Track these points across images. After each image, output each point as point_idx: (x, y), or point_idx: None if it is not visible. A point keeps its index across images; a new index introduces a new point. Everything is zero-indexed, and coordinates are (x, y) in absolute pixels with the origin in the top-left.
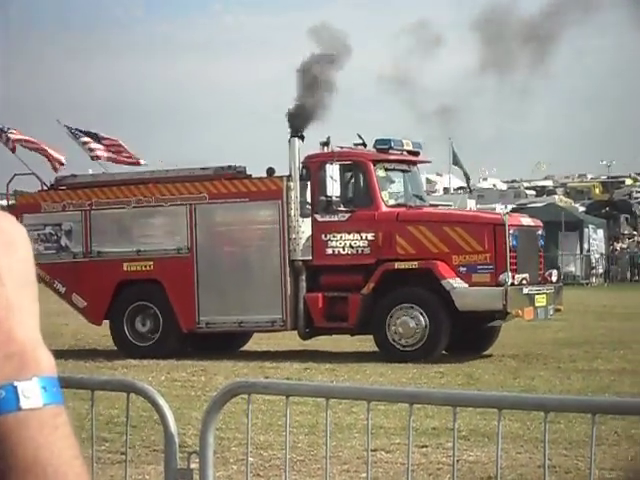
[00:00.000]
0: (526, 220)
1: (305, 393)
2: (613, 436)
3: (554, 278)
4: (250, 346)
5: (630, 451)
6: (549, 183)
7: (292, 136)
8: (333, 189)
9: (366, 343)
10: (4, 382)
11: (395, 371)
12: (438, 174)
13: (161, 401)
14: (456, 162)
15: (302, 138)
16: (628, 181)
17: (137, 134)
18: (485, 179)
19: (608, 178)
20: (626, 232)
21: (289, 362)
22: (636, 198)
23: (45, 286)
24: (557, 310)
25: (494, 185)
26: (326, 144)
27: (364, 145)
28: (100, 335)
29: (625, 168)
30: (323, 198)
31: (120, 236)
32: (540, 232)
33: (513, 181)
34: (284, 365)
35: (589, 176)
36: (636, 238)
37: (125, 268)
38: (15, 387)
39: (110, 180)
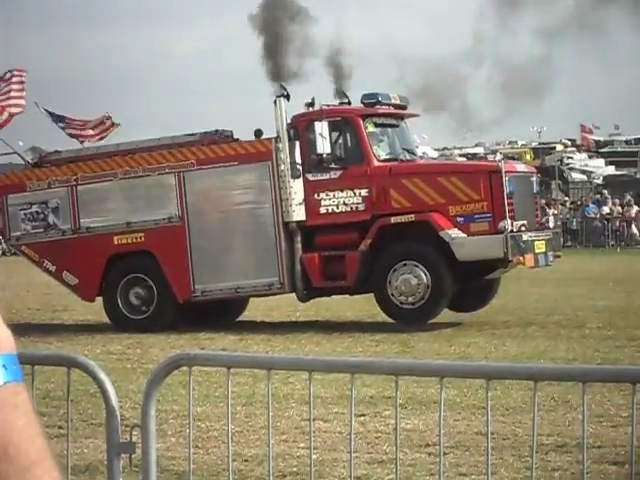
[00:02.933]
0: (520, 166)
1: (247, 364)
2: (550, 402)
3: (551, 224)
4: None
5: (567, 416)
6: (480, 150)
7: (277, 96)
8: (324, 146)
9: (304, 312)
10: None
11: (331, 340)
12: None
13: (102, 375)
14: None
15: (288, 98)
16: (559, 147)
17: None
18: (417, 146)
19: (539, 144)
20: (558, 198)
21: (223, 333)
22: (567, 164)
23: (35, 266)
24: (557, 257)
25: (424, 153)
26: (311, 104)
27: (349, 103)
28: (33, 309)
29: (556, 134)
30: (314, 156)
31: (108, 209)
32: (534, 178)
33: (444, 148)
34: (218, 336)
35: (520, 142)
36: (568, 204)
37: (116, 242)
38: None
39: (95, 153)
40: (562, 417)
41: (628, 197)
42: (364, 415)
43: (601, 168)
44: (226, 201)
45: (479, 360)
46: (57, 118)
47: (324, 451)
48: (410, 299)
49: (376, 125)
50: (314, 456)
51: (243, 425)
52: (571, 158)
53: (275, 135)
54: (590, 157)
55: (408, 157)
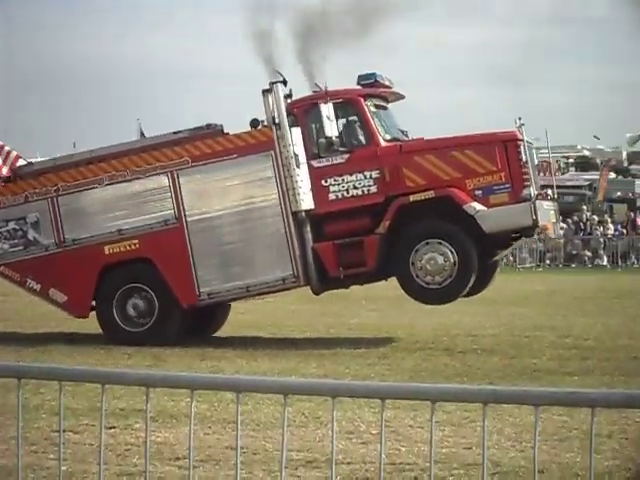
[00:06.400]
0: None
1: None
2: (301, 417)
3: (550, 195)
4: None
5: (317, 432)
6: None
7: (273, 82)
8: (332, 129)
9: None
10: None
11: (83, 352)
12: None
13: None
14: None
15: (285, 83)
16: None
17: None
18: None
19: None
20: None
21: None
22: None
23: (18, 286)
24: (561, 228)
25: None
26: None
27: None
28: None
29: None
30: (323, 140)
31: (96, 218)
32: (533, 147)
33: None
34: None
35: None
36: None
37: (107, 251)
38: None
39: (75, 161)
40: (312, 433)
41: None
42: (114, 427)
43: None
44: (227, 196)
45: (231, 374)
46: None
47: (74, 462)
48: (437, 278)
49: (375, 106)
50: (63, 467)
51: None
52: None
53: (272, 123)
54: None
55: (403, 137)
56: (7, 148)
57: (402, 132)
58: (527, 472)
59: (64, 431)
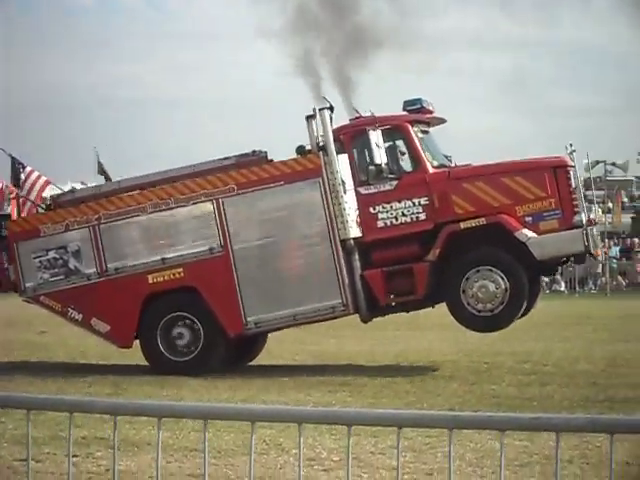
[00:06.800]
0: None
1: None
2: (262, 445)
3: (595, 221)
4: None
5: (279, 460)
6: None
7: (320, 109)
8: (381, 156)
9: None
10: None
11: (45, 379)
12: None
13: None
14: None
15: (332, 109)
16: None
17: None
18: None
19: None
20: None
21: None
22: None
23: (58, 316)
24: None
25: None
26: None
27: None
28: None
29: None
30: (372, 167)
31: (139, 247)
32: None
33: None
34: None
35: None
36: None
37: (151, 280)
38: None
39: (117, 189)
40: (274, 460)
41: None
42: (77, 456)
43: None
44: (274, 224)
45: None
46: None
47: None
48: (489, 305)
49: (421, 132)
50: None
51: None
52: None
53: (317, 149)
54: None
55: (450, 163)
56: (36, 173)
57: (446, 157)
58: None
59: (25, 460)
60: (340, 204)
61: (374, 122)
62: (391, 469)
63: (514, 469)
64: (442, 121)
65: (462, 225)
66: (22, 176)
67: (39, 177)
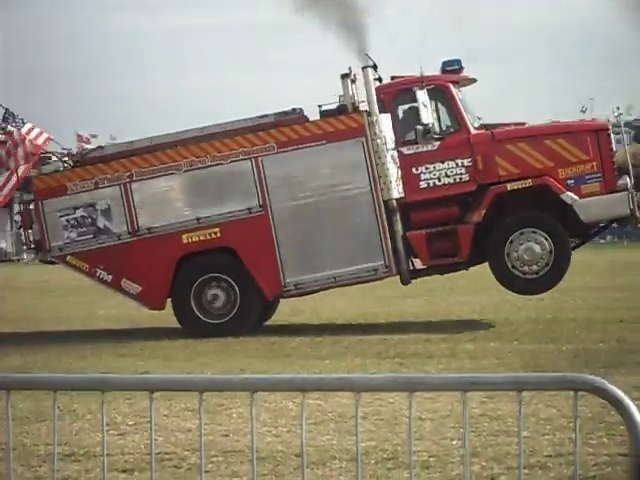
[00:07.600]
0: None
1: None
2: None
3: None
4: None
5: (74, 425)
6: None
7: (364, 67)
8: (428, 115)
9: None
10: None
11: None
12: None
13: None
14: None
15: (375, 68)
16: None
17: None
18: None
19: None
20: None
21: None
22: None
23: (86, 277)
24: None
25: None
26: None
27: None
28: None
29: None
30: (420, 127)
31: (173, 206)
32: None
33: None
34: None
35: None
36: None
37: (185, 240)
38: None
39: (149, 146)
40: (69, 426)
41: None
42: None
43: None
44: (315, 184)
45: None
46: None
47: None
48: (534, 268)
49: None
50: None
51: None
52: None
53: (353, 109)
54: None
55: (481, 123)
56: (37, 130)
57: (478, 118)
58: (285, 456)
59: None
60: (384, 164)
61: (421, 81)
62: (186, 431)
63: (309, 427)
64: (473, 81)
65: (509, 186)
66: (21, 129)
67: (40, 133)
